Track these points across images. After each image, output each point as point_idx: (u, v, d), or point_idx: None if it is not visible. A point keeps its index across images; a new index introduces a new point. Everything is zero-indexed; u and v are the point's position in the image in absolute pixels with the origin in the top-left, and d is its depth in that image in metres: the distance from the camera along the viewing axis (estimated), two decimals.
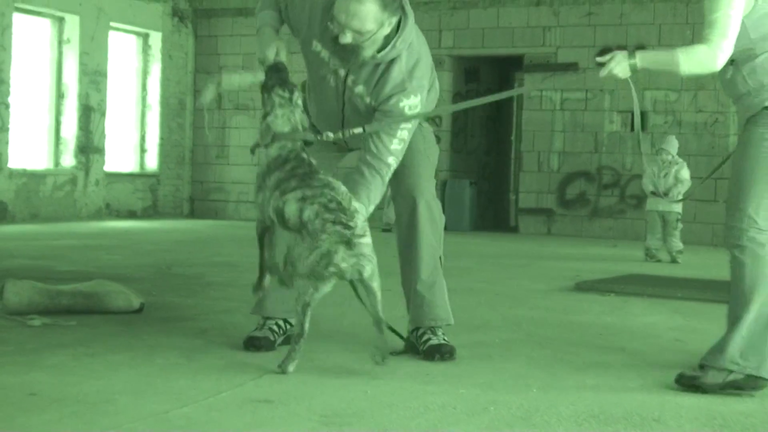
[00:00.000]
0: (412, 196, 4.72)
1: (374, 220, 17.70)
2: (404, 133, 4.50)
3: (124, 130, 17.59)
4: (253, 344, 4.67)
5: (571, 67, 15.97)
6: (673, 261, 11.32)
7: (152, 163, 17.93)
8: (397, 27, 4.48)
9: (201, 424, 3.35)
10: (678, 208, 11.47)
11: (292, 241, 4.27)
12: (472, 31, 16.66)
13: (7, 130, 14.85)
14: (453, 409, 3.68)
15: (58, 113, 15.98)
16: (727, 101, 13.72)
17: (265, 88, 4.47)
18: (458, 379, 4.21)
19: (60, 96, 15.97)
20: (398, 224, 4.85)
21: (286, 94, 4.43)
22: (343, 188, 4.22)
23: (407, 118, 4.50)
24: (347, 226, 4.09)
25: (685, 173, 11.41)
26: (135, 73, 17.78)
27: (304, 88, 4.83)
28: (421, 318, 4.76)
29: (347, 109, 4.62)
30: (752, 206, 4.13)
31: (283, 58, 4.57)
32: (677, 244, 11.41)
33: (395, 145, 4.48)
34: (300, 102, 4.47)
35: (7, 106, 14.83)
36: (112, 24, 16.72)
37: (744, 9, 4.09)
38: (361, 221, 4.17)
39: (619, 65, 4.23)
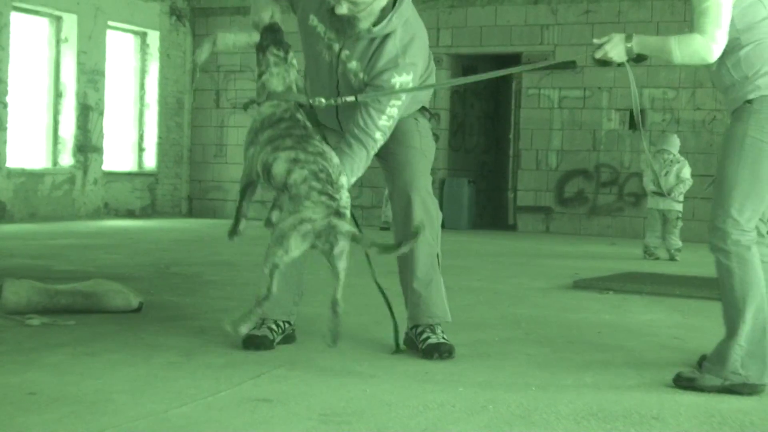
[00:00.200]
0: (407, 193, 4.73)
1: (373, 218, 17.63)
2: (393, 110, 4.53)
3: (122, 129, 17.58)
4: (252, 343, 4.67)
5: (569, 65, 15.96)
6: (672, 259, 11.33)
7: (150, 162, 17.92)
8: (394, 3, 4.53)
9: (200, 423, 3.35)
10: (679, 206, 11.47)
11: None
12: (470, 29, 16.66)
13: (5, 129, 14.84)
14: (452, 408, 3.68)
15: (56, 112, 15.97)
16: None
17: (260, 48, 4.51)
18: (457, 378, 4.21)
19: (58, 95, 15.96)
20: (395, 221, 4.86)
21: (281, 53, 4.47)
22: (336, 160, 4.25)
23: (402, 92, 4.52)
24: (332, 198, 4.09)
25: (687, 172, 11.39)
26: (133, 72, 17.77)
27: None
28: (418, 316, 4.76)
29: (341, 85, 4.65)
30: (735, 206, 4.05)
31: (277, 20, 4.60)
32: (676, 242, 11.41)
33: (384, 121, 4.51)
34: (295, 62, 4.50)
35: (5, 106, 14.82)
36: (109, 23, 16.70)
37: None
38: (345, 196, 4.18)
39: (615, 48, 4.19)
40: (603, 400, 3.88)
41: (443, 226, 4.92)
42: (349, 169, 4.42)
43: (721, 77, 4.19)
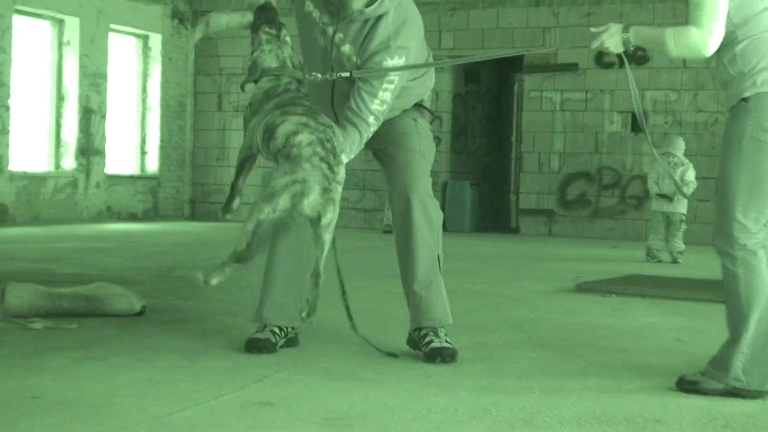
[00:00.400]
0: (406, 195, 4.73)
1: (376, 222, 17.61)
2: (386, 94, 4.57)
3: (124, 132, 17.59)
4: (254, 346, 4.66)
5: (570, 67, 15.97)
6: (674, 261, 11.32)
7: (153, 165, 17.93)
8: None
9: (203, 427, 3.36)
10: (682, 209, 11.45)
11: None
12: (471, 32, 16.66)
13: (7, 132, 14.85)
14: (455, 411, 3.68)
15: (59, 116, 15.98)
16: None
17: (253, 27, 4.56)
18: (460, 381, 4.21)
19: (60, 98, 15.97)
20: (395, 224, 4.86)
21: (273, 31, 4.52)
22: (341, 137, 4.26)
23: (397, 69, 4.55)
24: (331, 168, 4.09)
25: (691, 174, 11.32)
26: (135, 75, 17.78)
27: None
28: (420, 318, 4.76)
29: (336, 71, 4.66)
30: (739, 208, 3.98)
31: (271, 0, 4.64)
32: (679, 244, 11.41)
33: (376, 105, 4.55)
34: (288, 39, 4.53)
35: (8, 109, 14.83)
36: (112, 26, 16.71)
37: None
38: (342, 172, 4.19)
39: (612, 38, 4.15)
40: (606, 404, 3.88)
41: (445, 228, 4.92)
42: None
43: (719, 73, 4.12)
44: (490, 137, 18.61)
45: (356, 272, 8.44)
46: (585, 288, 7.95)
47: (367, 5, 4.54)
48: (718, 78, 4.16)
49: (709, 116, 15.28)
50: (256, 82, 4.48)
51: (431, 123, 5.09)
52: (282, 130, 4.17)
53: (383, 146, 4.86)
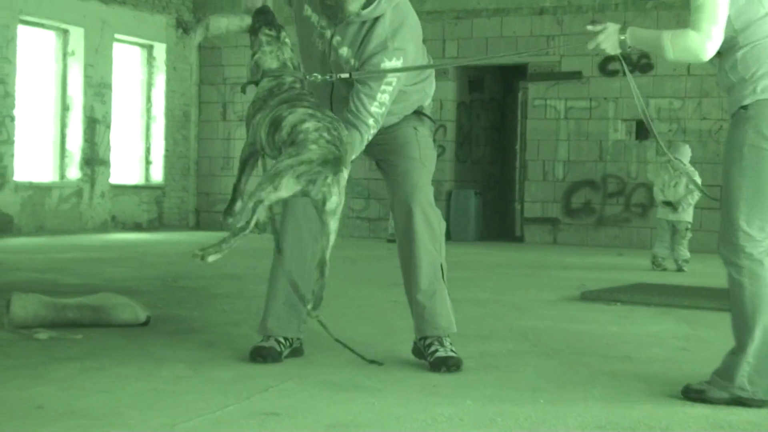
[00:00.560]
0: (407, 204, 4.73)
1: (380, 230, 17.57)
2: (385, 96, 4.57)
3: (129, 142, 17.62)
4: (259, 354, 4.66)
5: (575, 75, 15.97)
6: (679, 270, 11.30)
7: (157, 175, 17.95)
8: None
9: None
10: (688, 217, 11.44)
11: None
12: (475, 40, 16.67)
13: (12, 142, 14.88)
14: (460, 421, 3.67)
15: (63, 126, 16.01)
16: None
17: (252, 30, 4.58)
18: (465, 391, 4.20)
19: (65, 108, 16.01)
20: (397, 233, 4.86)
21: (273, 32, 4.54)
22: (346, 133, 4.24)
23: (395, 71, 4.56)
24: (339, 150, 4.09)
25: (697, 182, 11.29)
26: (139, 85, 17.81)
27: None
28: (424, 328, 4.75)
29: (334, 76, 4.66)
30: (743, 217, 3.95)
31: (269, 4, 4.67)
32: (684, 252, 11.39)
33: (375, 107, 4.56)
34: (288, 41, 4.54)
35: (13, 119, 14.87)
36: (116, 36, 16.75)
37: None
38: (349, 163, 4.18)
39: (608, 39, 4.12)
40: (611, 413, 3.87)
41: (450, 237, 4.93)
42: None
43: (721, 79, 4.09)
44: (495, 146, 18.61)
45: (360, 281, 8.44)
46: (590, 296, 7.94)
47: (364, 7, 4.56)
48: (721, 85, 4.13)
49: (713, 124, 15.27)
50: (257, 83, 4.49)
51: (434, 132, 5.08)
52: (288, 121, 4.17)
53: (384, 156, 4.87)
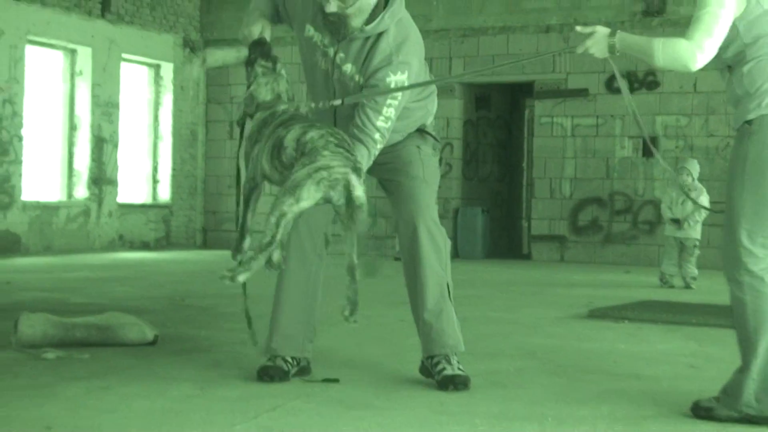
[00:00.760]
0: (412, 223, 4.73)
1: (387, 248, 17.49)
2: (390, 110, 4.55)
3: (136, 161, 17.66)
4: (266, 373, 4.66)
5: (581, 93, 15.99)
6: (687, 287, 11.27)
7: (165, 194, 17.98)
8: (386, 3, 4.59)
9: None
10: (696, 234, 11.41)
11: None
12: (482, 58, 16.69)
13: (20, 162, 14.93)
14: None
15: (71, 145, 16.07)
16: None
17: (249, 62, 4.57)
18: (473, 409, 4.19)
19: (72, 128, 16.06)
20: (402, 253, 4.85)
21: (269, 64, 4.53)
22: (348, 139, 4.24)
23: (395, 90, 4.55)
24: (350, 152, 4.09)
25: (704, 200, 11.23)
26: (147, 104, 17.87)
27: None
28: (431, 346, 4.74)
29: (338, 93, 4.68)
30: (745, 233, 3.93)
31: (267, 36, 4.66)
32: (692, 270, 11.36)
33: (381, 122, 4.54)
34: (284, 72, 4.54)
35: (20, 139, 14.92)
36: (123, 55, 16.82)
37: (736, 9, 3.89)
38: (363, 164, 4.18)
39: (597, 44, 4.06)
40: (620, 431, 3.85)
41: (457, 255, 4.93)
42: None
43: (729, 93, 4.08)
44: (501, 163, 18.62)
45: (367, 299, 8.42)
46: (598, 314, 7.92)
47: (367, 23, 4.56)
48: (729, 99, 4.12)
49: (720, 140, 15.26)
50: (251, 116, 4.48)
51: (441, 150, 5.07)
52: (290, 138, 4.17)
53: (388, 175, 4.88)
